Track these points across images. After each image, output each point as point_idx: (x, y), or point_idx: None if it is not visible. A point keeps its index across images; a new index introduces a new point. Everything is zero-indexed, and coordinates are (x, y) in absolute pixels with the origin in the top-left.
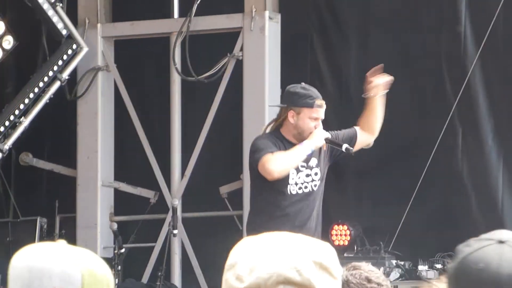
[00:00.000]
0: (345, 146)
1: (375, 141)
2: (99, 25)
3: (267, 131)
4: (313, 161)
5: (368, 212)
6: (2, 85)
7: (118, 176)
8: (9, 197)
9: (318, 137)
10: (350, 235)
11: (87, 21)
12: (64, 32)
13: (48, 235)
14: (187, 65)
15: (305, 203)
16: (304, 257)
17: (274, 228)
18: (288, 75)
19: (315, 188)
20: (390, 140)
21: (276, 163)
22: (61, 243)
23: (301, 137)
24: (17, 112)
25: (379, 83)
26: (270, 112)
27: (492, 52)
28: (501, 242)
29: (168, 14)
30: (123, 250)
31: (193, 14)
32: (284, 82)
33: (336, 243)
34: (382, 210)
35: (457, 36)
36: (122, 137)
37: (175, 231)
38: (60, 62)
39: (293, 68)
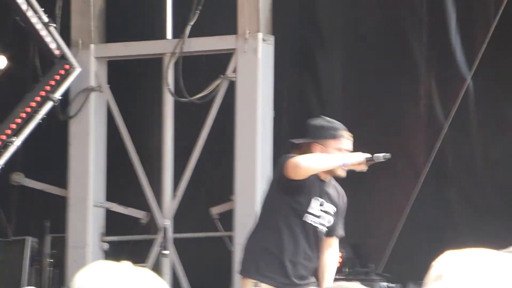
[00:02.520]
0: (380, 156)
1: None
2: (92, 45)
3: None
4: (331, 208)
5: (358, 233)
6: None
7: (109, 197)
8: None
9: (358, 154)
10: (340, 257)
11: (80, 42)
12: (57, 52)
13: (38, 255)
14: (180, 86)
15: (312, 237)
16: None
17: (281, 259)
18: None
19: (322, 230)
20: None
21: (306, 158)
22: (126, 264)
23: (328, 171)
24: (9, 132)
25: None
26: (262, 133)
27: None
28: None
29: (162, 35)
30: None
31: (186, 35)
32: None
33: None
34: (373, 231)
35: (447, 52)
36: (114, 158)
37: (166, 252)
38: (52, 83)
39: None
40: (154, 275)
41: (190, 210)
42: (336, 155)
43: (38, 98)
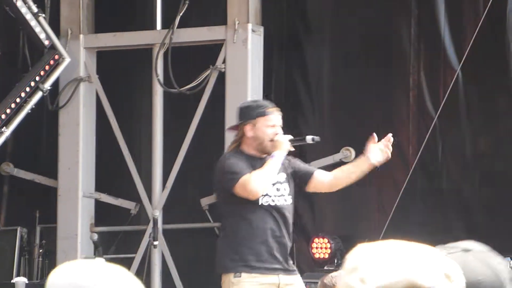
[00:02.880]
0: (309, 137)
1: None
2: (81, 36)
3: (230, 150)
4: (281, 176)
5: (348, 224)
6: None
7: (99, 187)
8: None
9: (283, 142)
10: (330, 248)
11: (69, 32)
12: (46, 42)
13: (28, 245)
14: (169, 77)
15: (276, 216)
16: (436, 267)
17: (250, 245)
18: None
19: (285, 203)
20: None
21: (257, 183)
22: (99, 261)
23: (262, 148)
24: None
25: (382, 152)
26: None
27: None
28: (466, 250)
29: (151, 26)
30: (103, 261)
31: (175, 26)
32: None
33: (317, 256)
34: (363, 222)
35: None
36: (103, 148)
37: (156, 242)
38: (42, 73)
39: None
40: (127, 272)
41: (179, 201)
42: (272, 159)
43: (28, 88)
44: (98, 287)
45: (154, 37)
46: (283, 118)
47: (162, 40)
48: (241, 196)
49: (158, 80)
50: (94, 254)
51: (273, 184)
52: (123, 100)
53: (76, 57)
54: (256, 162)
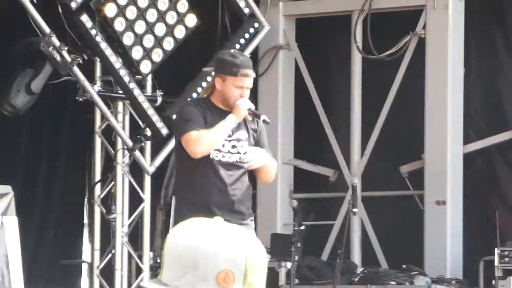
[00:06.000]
0: (263, 117)
1: None
2: (280, 3)
3: (203, 95)
4: (243, 134)
5: None
6: (188, 61)
7: (297, 154)
8: None
9: (241, 109)
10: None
11: (269, 0)
12: (246, 10)
13: None
14: (368, 43)
15: (231, 172)
16: None
17: (202, 200)
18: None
19: (239, 161)
20: None
21: (200, 144)
22: (218, 220)
23: (228, 104)
24: (199, 89)
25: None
26: (452, 91)
27: None
28: None
29: None
30: (302, 227)
31: None
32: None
33: None
34: None
35: None
36: (301, 116)
37: (355, 210)
38: (242, 41)
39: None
40: (253, 236)
41: (378, 169)
42: (223, 122)
43: None
44: (224, 252)
45: (354, 3)
46: None
47: (361, 7)
48: (187, 150)
49: (357, 46)
50: (294, 220)
51: (230, 141)
52: (321, 67)
53: (275, 24)
54: (218, 115)
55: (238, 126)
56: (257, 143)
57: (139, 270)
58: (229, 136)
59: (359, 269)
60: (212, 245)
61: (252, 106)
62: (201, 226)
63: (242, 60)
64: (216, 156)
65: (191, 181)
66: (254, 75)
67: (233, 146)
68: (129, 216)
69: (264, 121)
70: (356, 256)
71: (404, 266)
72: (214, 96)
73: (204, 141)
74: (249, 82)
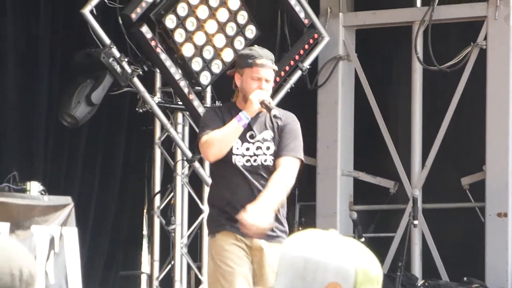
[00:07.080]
0: (274, 112)
1: None
2: (341, 14)
3: (232, 101)
4: (268, 134)
5: None
6: None
7: (357, 166)
8: None
9: (253, 102)
10: None
11: (329, 11)
12: (306, 21)
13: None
14: (429, 54)
15: (258, 176)
16: None
17: (224, 202)
18: None
19: (265, 163)
20: None
21: (211, 146)
22: (333, 232)
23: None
24: None
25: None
26: None
27: None
28: None
29: (411, 3)
30: (362, 239)
31: (436, 3)
32: None
33: None
34: None
35: None
36: (361, 127)
37: (416, 222)
38: (301, 52)
39: None
40: (364, 248)
41: (439, 180)
42: (234, 119)
43: (287, 68)
44: (333, 263)
45: (414, 14)
46: None
47: (422, 17)
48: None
49: (418, 57)
50: (353, 232)
51: (253, 143)
52: (381, 78)
53: (335, 35)
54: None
55: (263, 125)
56: (278, 142)
57: (198, 282)
58: (252, 137)
59: (420, 282)
60: (322, 255)
61: (267, 98)
62: (315, 237)
63: (258, 51)
64: (239, 162)
65: (218, 190)
66: (274, 67)
67: (258, 148)
68: (189, 227)
69: (274, 116)
70: (417, 269)
71: (465, 278)
72: (237, 98)
73: (213, 143)
74: (266, 73)
